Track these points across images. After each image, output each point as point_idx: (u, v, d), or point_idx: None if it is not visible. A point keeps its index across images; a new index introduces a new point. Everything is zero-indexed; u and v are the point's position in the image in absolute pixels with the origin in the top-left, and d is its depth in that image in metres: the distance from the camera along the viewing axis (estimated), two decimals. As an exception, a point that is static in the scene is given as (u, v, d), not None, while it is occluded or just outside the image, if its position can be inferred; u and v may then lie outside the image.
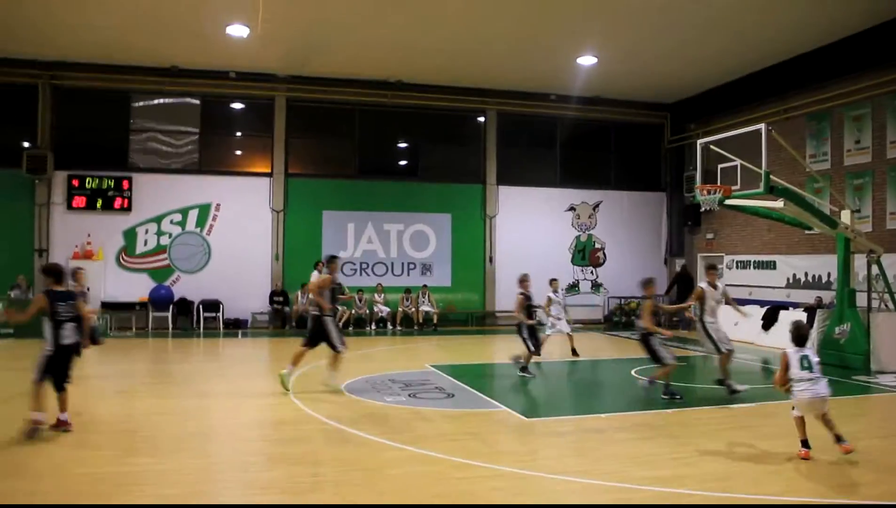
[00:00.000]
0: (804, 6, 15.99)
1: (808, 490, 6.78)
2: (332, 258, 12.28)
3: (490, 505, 6.42)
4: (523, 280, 13.78)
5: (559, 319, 16.31)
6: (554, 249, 24.68)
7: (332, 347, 11.73)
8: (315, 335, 11.78)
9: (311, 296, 12.54)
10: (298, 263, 21.98)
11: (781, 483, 7.01)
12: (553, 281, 16.56)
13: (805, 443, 7.91)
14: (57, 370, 8.46)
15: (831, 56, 18.58)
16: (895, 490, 6.80)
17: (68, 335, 8.47)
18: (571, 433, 9.07)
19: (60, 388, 8.53)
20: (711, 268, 12.78)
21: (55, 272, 8.81)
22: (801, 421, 8.06)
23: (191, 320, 21.18)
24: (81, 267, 14.43)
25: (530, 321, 13.48)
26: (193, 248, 21.71)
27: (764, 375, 14.82)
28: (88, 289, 14.35)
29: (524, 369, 13.37)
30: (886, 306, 15.90)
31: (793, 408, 8.15)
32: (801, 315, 17.85)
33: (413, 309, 22.53)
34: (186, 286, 21.41)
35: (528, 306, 13.50)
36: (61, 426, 8.48)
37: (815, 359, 8.18)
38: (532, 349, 13.48)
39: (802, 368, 8.10)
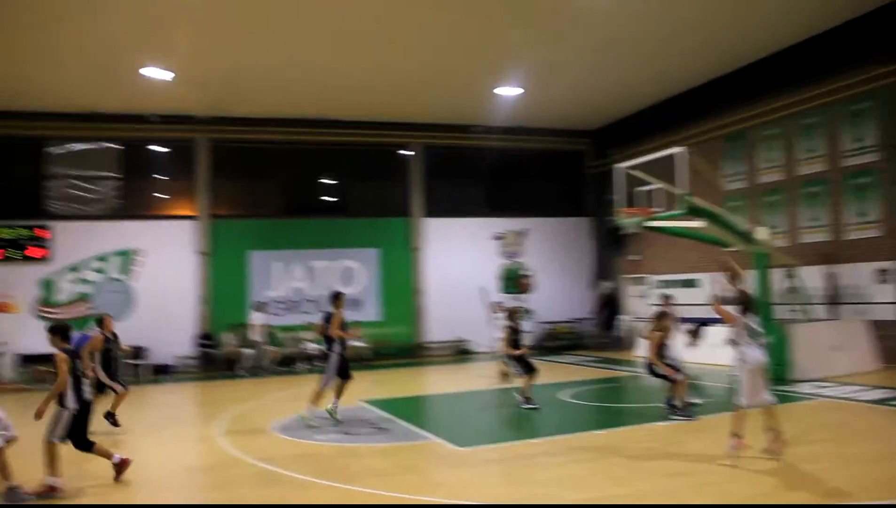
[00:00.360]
0: (716, 33, 16.58)
1: (738, 501, 6.91)
2: (339, 295, 12.42)
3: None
4: (513, 312, 13.67)
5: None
6: (482, 278, 24.74)
7: (324, 381, 12.03)
8: (342, 367, 12.09)
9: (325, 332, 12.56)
10: (226, 304, 21.67)
11: (713, 496, 7.14)
12: (498, 305, 17.57)
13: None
14: (80, 427, 8.33)
15: (744, 80, 19.27)
16: (816, 495, 6.98)
17: (88, 390, 8.50)
18: (504, 461, 9.09)
19: (89, 446, 8.39)
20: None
21: (63, 329, 8.69)
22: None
23: (115, 368, 20.54)
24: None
25: (518, 352, 13.22)
26: (116, 295, 21.17)
27: (691, 391, 15.06)
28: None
29: (528, 399, 12.83)
30: (803, 317, 16.43)
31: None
32: (725, 331, 18.26)
33: (345, 345, 22.28)
34: (111, 334, 20.82)
35: (514, 339, 13.26)
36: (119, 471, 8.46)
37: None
38: (525, 372, 13.02)
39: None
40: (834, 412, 11.59)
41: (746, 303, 8.92)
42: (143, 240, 21.53)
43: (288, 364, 21.52)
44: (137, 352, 19.18)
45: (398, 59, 17.67)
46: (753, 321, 8.85)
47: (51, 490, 7.88)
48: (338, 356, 12.03)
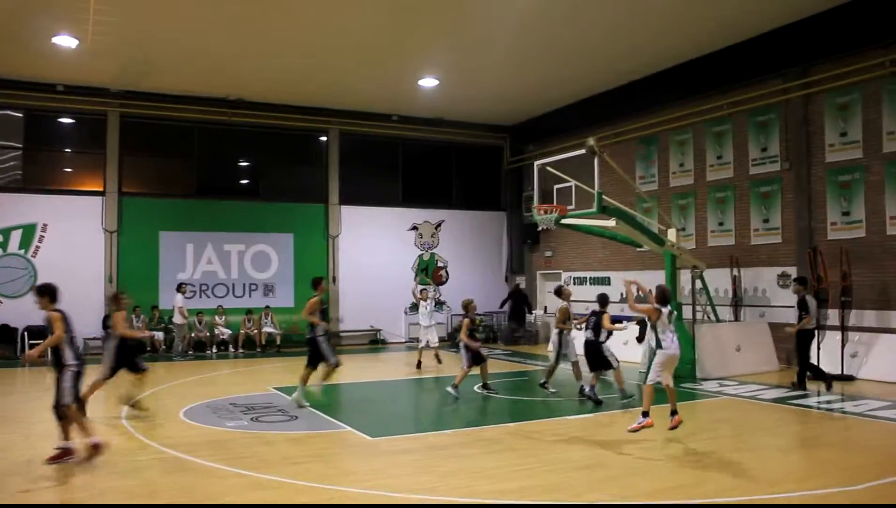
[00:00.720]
0: (635, 36, 16.88)
1: (642, 495, 7.10)
2: (320, 280, 12.82)
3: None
4: (468, 305, 13.62)
5: (427, 328, 17.78)
6: (397, 268, 24.82)
7: (326, 361, 12.16)
8: (314, 355, 12.18)
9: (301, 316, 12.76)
10: (134, 285, 20.94)
11: (617, 488, 7.31)
12: (423, 291, 18.35)
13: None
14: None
15: (660, 84, 19.73)
16: (720, 489, 7.23)
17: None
18: (417, 451, 9.11)
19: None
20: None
21: (52, 291, 8.90)
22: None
23: (14, 347, 19.81)
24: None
25: (475, 345, 13.26)
26: (16, 271, 20.30)
27: (600, 386, 15.40)
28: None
29: (456, 387, 12.96)
30: (708, 317, 16.98)
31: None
32: (634, 328, 18.74)
33: (255, 331, 22.05)
34: (9, 312, 19.98)
35: (471, 330, 13.36)
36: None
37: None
38: (472, 363, 13.21)
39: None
40: (735, 410, 12.02)
41: (665, 297, 9.88)
42: (46, 214, 20.66)
43: (200, 349, 21.13)
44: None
45: (318, 44, 17.42)
46: (670, 314, 9.79)
47: (95, 449, 8.41)
48: (312, 340, 12.22)
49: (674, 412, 9.51)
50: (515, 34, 16.75)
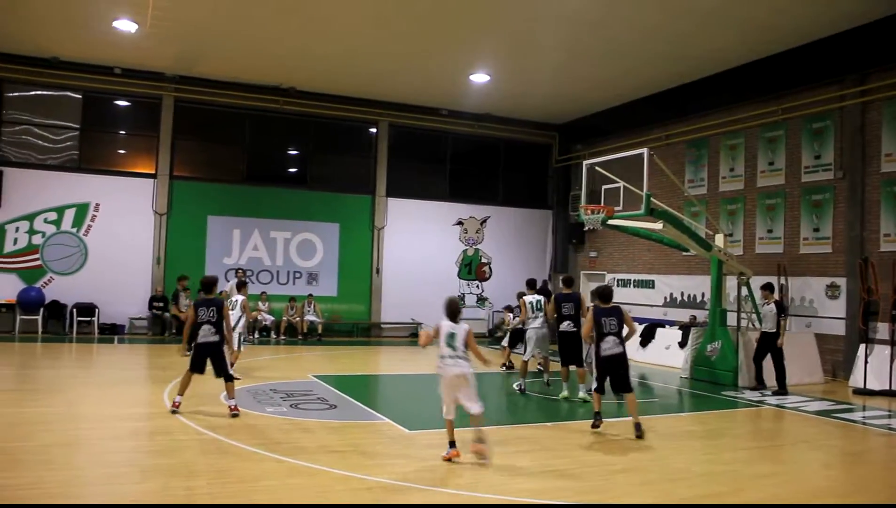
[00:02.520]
0: (687, 40, 16.67)
1: (678, 501, 7.03)
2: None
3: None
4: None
5: None
6: (441, 262, 24.87)
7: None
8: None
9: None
10: (181, 267, 21.36)
11: (654, 494, 7.25)
12: None
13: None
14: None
15: (712, 87, 19.45)
16: (757, 499, 7.13)
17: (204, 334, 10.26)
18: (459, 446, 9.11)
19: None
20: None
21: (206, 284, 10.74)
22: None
23: (63, 324, 20.27)
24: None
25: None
26: (69, 248, 20.75)
27: (640, 390, 15.30)
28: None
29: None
30: (753, 325, 16.73)
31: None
32: (677, 333, 18.61)
33: (297, 318, 22.26)
34: (60, 289, 20.46)
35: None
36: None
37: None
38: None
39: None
40: (776, 420, 11.85)
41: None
42: (99, 195, 21.06)
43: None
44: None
45: (372, 35, 17.48)
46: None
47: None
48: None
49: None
50: (568, 33, 16.64)
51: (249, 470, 7.52)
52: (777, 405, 12.93)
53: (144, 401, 11.14)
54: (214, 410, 10.59)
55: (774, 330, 14.38)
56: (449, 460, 8.10)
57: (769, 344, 14.50)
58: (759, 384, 14.71)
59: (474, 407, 8.26)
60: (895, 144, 15.97)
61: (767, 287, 14.93)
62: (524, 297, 13.68)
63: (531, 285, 14.33)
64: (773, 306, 14.51)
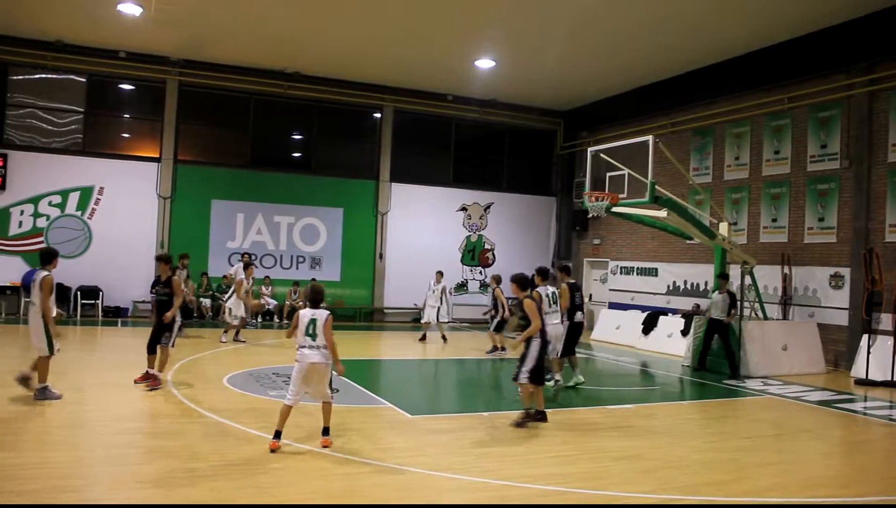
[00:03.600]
0: (693, 28, 16.64)
1: (676, 489, 7.05)
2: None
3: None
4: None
5: (432, 307, 18.47)
6: (444, 248, 24.87)
7: None
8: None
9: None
10: (184, 251, 21.37)
11: (654, 482, 7.27)
12: (438, 273, 18.88)
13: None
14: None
15: (717, 76, 19.42)
16: (756, 488, 7.15)
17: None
18: (454, 431, 9.15)
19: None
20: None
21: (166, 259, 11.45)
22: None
23: (67, 307, 20.32)
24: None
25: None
26: (73, 232, 20.81)
27: (642, 378, 15.34)
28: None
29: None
30: (756, 314, 16.74)
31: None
32: (680, 321, 18.61)
33: (300, 303, 22.28)
34: (64, 272, 20.36)
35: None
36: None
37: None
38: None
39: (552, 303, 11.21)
40: (778, 410, 11.85)
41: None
42: (103, 178, 21.11)
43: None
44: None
45: (376, 20, 17.44)
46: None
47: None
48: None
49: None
50: (574, 19, 16.59)
51: (251, 453, 7.55)
52: (778, 395, 12.93)
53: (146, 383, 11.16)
54: (217, 394, 10.62)
55: (723, 317, 15.13)
56: (273, 450, 7.58)
57: (717, 330, 15.28)
58: (701, 367, 15.50)
59: (326, 396, 8.05)
60: (902, 133, 15.91)
61: (724, 276, 15.49)
62: (538, 289, 11.48)
63: (544, 274, 12.13)
64: (726, 295, 15.13)
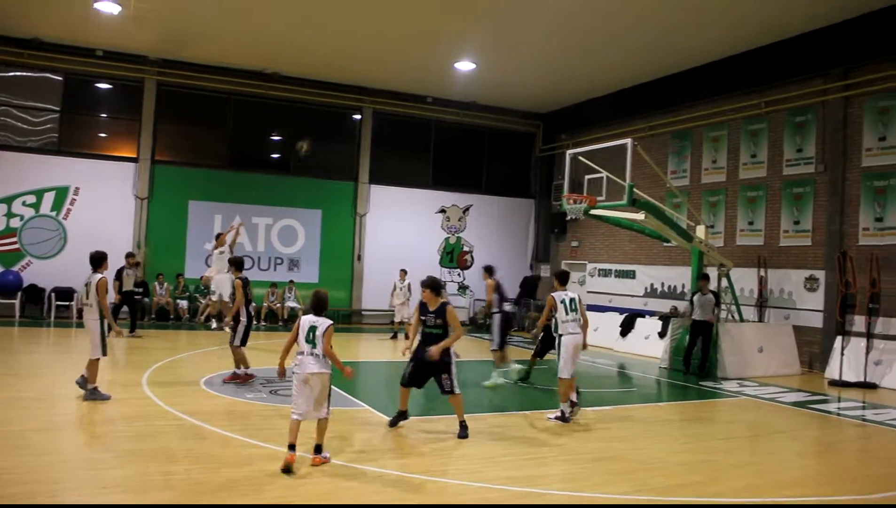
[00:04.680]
0: (674, 31, 16.74)
1: (652, 490, 7.09)
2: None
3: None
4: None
5: (402, 306, 19.32)
6: (423, 249, 24.86)
7: None
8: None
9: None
10: (162, 252, 21.30)
11: (630, 483, 7.30)
12: (402, 272, 19.48)
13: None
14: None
15: (696, 80, 19.57)
16: (732, 489, 7.20)
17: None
18: (431, 433, 9.15)
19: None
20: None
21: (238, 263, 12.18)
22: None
23: (41, 308, 20.12)
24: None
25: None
26: (47, 232, 20.58)
27: (620, 379, 15.42)
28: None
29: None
30: (733, 316, 16.86)
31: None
32: (657, 324, 18.72)
33: (278, 305, 22.20)
34: (38, 273, 20.30)
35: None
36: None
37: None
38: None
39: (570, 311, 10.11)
40: (753, 411, 11.95)
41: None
42: (79, 178, 20.90)
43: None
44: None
45: (357, 21, 17.41)
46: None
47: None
48: None
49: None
50: (554, 22, 16.64)
51: (228, 456, 7.52)
52: (754, 396, 13.03)
53: (122, 386, 11.08)
54: (193, 396, 10.57)
55: (706, 319, 15.14)
56: (286, 469, 7.03)
57: (702, 332, 15.19)
58: (687, 370, 15.39)
59: (322, 412, 7.56)
60: (876, 138, 16.10)
61: (705, 278, 15.57)
62: (554, 294, 10.39)
63: (562, 278, 10.93)
64: (710, 296, 15.21)
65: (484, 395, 12.33)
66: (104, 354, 10.12)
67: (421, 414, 10.49)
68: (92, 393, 9.94)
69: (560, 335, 10.18)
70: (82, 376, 10.16)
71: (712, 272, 16.93)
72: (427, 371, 9.17)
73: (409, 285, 19.62)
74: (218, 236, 17.23)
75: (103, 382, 11.09)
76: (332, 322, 7.71)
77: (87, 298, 10.46)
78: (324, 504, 6.38)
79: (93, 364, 10.06)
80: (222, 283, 15.93)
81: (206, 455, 7.53)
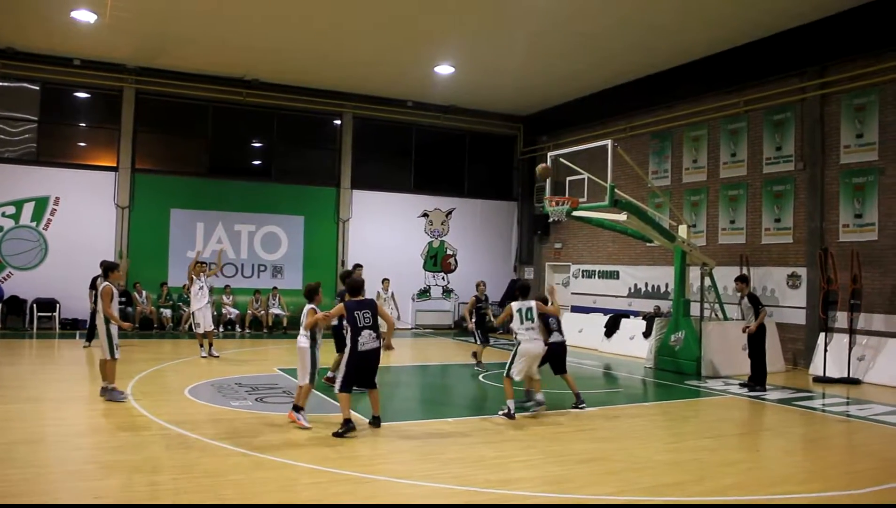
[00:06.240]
0: (652, 32, 16.82)
1: (640, 490, 7.10)
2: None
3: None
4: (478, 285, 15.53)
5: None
6: (406, 254, 24.84)
7: None
8: None
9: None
10: (144, 262, 21.17)
11: (618, 483, 7.32)
12: (384, 281, 19.24)
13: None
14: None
15: (675, 79, 19.67)
16: (719, 487, 7.22)
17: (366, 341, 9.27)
18: (419, 438, 9.14)
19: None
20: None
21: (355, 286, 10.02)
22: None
23: (23, 319, 19.95)
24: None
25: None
26: (28, 243, 20.41)
27: (605, 380, 15.45)
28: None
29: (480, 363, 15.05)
30: (716, 315, 16.93)
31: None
32: (641, 324, 18.78)
33: (262, 312, 22.11)
34: (19, 284, 20.12)
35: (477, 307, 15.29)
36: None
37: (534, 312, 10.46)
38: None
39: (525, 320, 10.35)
40: (739, 409, 12.01)
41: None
42: (59, 188, 20.74)
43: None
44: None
45: (335, 27, 17.38)
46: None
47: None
48: None
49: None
50: (532, 25, 16.68)
51: (214, 465, 7.47)
52: (739, 395, 13.09)
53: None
54: (178, 405, 10.50)
55: (746, 326, 13.80)
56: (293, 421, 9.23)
57: (758, 339, 13.68)
58: (758, 384, 13.54)
59: (303, 379, 9.48)
60: (853, 136, 16.22)
61: (744, 279, 14.46)
62: (512, 303, 10.74)
63: (523, 291, 10.98)
64: (746, 300, 13.90)
65: (470, 398, 12.32)
66: (111, 356, 10.66)
67: (407, 419, 10.48)
68: (108, 392, 10.62)
69: (519, 343, 10.45)
70: (102, 386, 10.73)
71: (695, 272, 16.98)
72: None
73: (392, 293, 19.51)
74: (197, 264, 16.56)
75: (89, 392, 11.03)
76: (312, 306, 9.76)
77: (95, 303, 11.63)
78: (323, 504, 6.37)
79: (102, 365, 10.73)
80: (205, 315, 15.91)
81: (192, 464, 7.47)
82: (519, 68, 20.25)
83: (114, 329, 10.75)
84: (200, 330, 15.87)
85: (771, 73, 17.83)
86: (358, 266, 14.73)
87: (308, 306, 9.62)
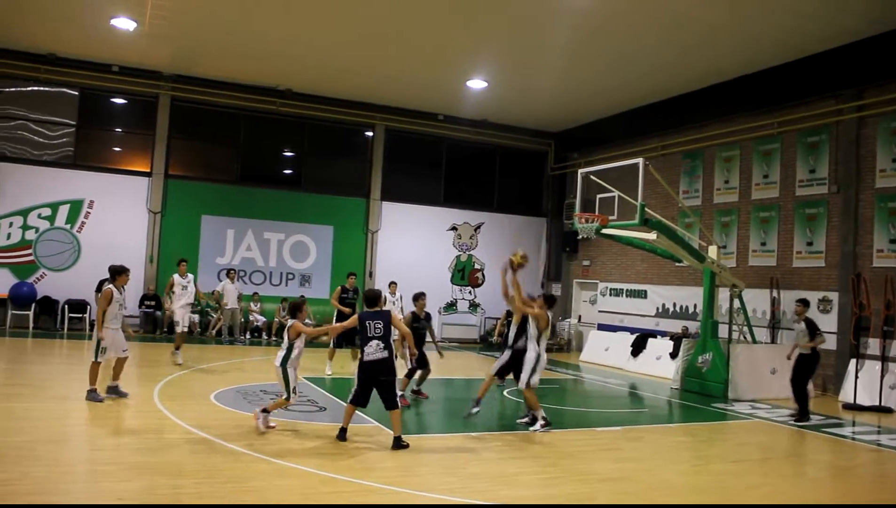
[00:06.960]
0: (687, 51, 16.74)
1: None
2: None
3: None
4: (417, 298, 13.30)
5: None
6: (434, 267, 24.84)
7: None
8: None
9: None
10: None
11: (635, 502, 7.24)
12: (391, 284, 18.49)
13: None
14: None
15: (709, 99, 19.53)
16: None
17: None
18: (442, 451, 9.13)
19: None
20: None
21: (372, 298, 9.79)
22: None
23: (55, 320, 20.21)
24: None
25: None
26: (62, 245, 20.71)
27: (630, 400, 15.33)
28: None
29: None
30: (745, 338, 16.76)
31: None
32: (668, 344, 18.63)
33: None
34: (52, 285, 20.40)
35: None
36: None
37: None
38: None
39: None
40: (766, 434, 11.85)
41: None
42: (94, 192, 21.04)
43: (234, 334, 21.20)
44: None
45: (370, 39, 17.49)
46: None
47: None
48: None
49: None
50: (566, 42, 16.67)
51: (237, 470, 7.50)
52: (766, 419, 12.92)
53: (133, 399, 11.09)
54: (204, 410, 10.56)
55: (809, 351, 12.99)
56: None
57: (804, 366, 13.03)
58: (803, 415, 12.81)
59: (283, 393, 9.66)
60: (889, 159, 16.02)
61: (805, 302, 13.66)
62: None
63: (551, 302, 11.69)
64: (802, 324, 13.15)
65: (498, 414, 12.27)
66: (95, 359, 10.80)
67: (432, 432, 10.46)
68: (89, 394, 10.67)
69: (539, 354, 10.55)
70: (109, 385, 10.95)
71: (724, 294, 16.81)
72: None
73: (401, 296, 18.97)
74: (180, 262, 16.56)
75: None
76: (295, 321, 9.76)
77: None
78: (324, 505, 6.36)
79: (91, 367, 10.84)
80: (183, 316, 15.71)
81: (215, 469, 7.51)
82: (552, 85, 20.24)
83: (108, 333, 10.88)
84: (179, 328, 15.56)
85: (806, 94, 17.66)
86: (422, 294, 13.49)
87: (291, 322, 9.69)
